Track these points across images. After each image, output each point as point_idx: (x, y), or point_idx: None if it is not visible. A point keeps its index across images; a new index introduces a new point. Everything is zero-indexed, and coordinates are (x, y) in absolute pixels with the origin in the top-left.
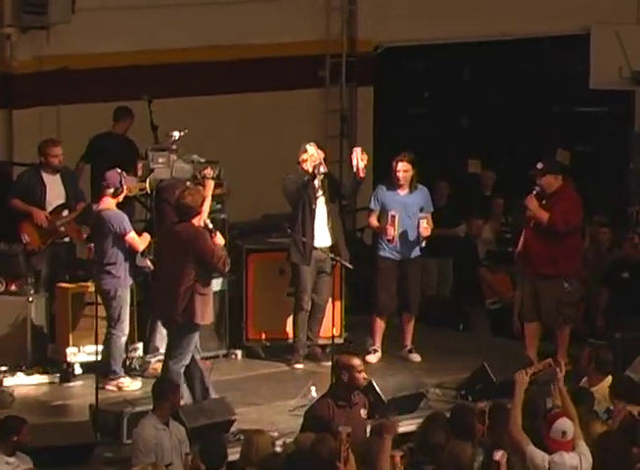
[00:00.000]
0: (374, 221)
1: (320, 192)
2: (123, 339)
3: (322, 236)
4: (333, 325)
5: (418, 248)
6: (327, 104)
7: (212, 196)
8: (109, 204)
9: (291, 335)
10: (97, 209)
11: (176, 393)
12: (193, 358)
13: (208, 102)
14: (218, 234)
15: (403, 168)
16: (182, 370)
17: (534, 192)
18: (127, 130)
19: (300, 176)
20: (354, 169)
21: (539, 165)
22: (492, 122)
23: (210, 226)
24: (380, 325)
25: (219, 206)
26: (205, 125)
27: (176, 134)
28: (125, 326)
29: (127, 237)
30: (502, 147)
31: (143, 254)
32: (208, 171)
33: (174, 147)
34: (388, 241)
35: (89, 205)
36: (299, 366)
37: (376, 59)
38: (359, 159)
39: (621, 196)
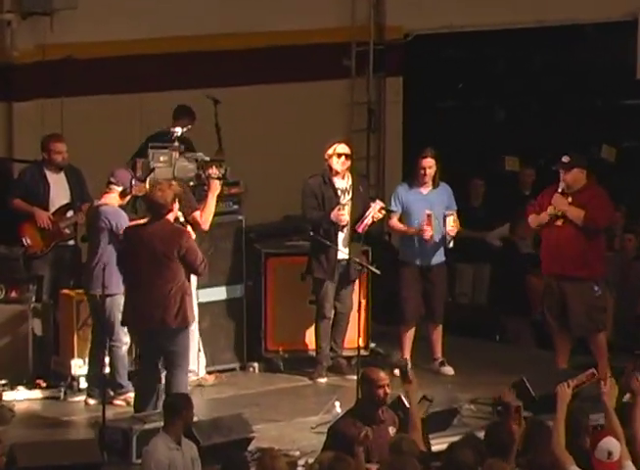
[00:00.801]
0: (396, 224)
1: (347, 197)
2: (124, 349)
3: (345, 245)
4: (359, 335)
5: (443, 251)
6: (353, 96)
7: (228, 196)
8: (110, 200)
9: (313, 346)
10: (96, 204)
11: (190, 408)
12: (155, 367)
13: (224, 94)
14: (190, 229)
15: (429, 165)
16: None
17: (560, 189)
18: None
19: (324, 176)
20: (359, 222)
21: (565, 159)
22: (531, 116)
23: (182, 220)
24: (407, 336)
25: (236, 206)
26: (221, 120)
27: (178, 130)
28: (123, 335)
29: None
30: (542, 143)
31: None
32: (214, 171)
33: (176, 144)
34: (426, 241)
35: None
36: (322, 380)
37: (406, 47)
38: (372, 213)
39: None
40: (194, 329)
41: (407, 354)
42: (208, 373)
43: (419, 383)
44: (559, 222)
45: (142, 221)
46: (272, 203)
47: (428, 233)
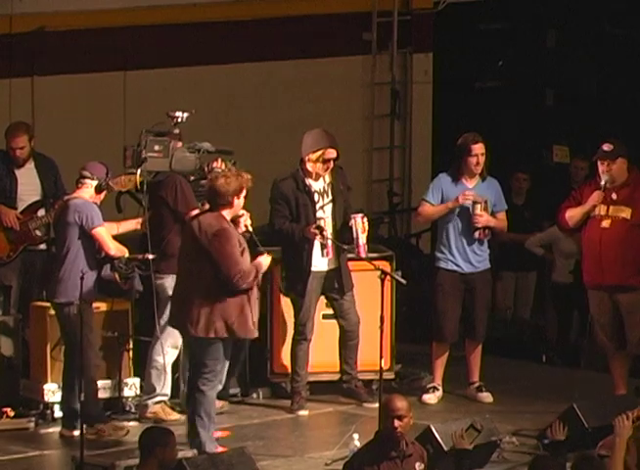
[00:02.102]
0: (428, 208)
1: (326, 199)
2: (93, 371)
3: (322, 259)
4: (381, 356)
5: (487, 257)
6: (374, 75)
7: None
8: (82, 194)
9: (329, 368)
10: (66, 198)
11: (167, 445)
12: None
13: (222, 72)
14: (264, 252)
15: (481, 151)
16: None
17: (603, 182)
18: None
19: (296, 178)
20: (354, 244)
21: (607, 147)
22: (584, 100)
23: (250, 229)
24: (441, 356)
25: None
26: (219, 103)
27: (179, 115)
28: (93, 356)
29: (94, 232)
30: (596, 130)
31: (113, 266)
32: (218, 164)
33: (177, 131)
34: (479, 241)
35: None
36: (304, 413)
37: (436, 18)
38: (359, 230)
39: None
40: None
41: (439, 379)
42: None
43: (449, 411)
44: (605, 223)
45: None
46: None
47: (482, 219)
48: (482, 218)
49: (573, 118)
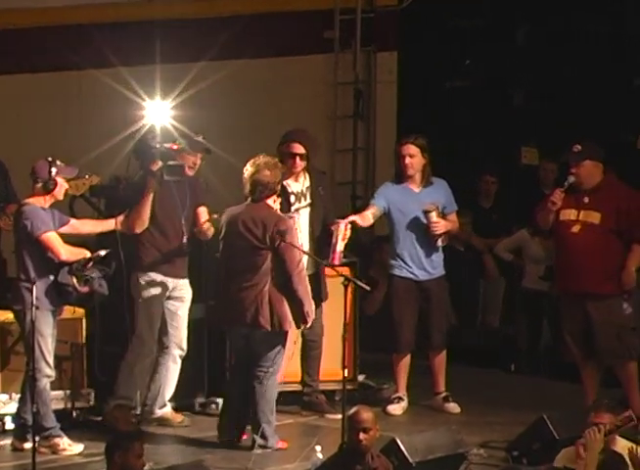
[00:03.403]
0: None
1: (304, 202)
2: (44, 381)
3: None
4: (344, 366)
5: (442, 263)
6: (337, 75)
7: None
8: (36, 200)
9: (291, 377)
10: (22, 203)
11: (127, 451)
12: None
13: (179, 72)
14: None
15: (408, 153)
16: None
17: (566, 183)
18: None
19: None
20: (331, 251)
21: (576, 148)
22: (554, 100)
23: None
24: (402, 365)
25: None
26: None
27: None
28: (45, 365)
29: (41, 238)
30: (566, 131)
31: (71, 269)
32: (153, 167)
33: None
34: (434, 242)
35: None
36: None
37: (401, 15)
38: (340, 237)
39: None
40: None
41: (403, 389)
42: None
43: (415, 422)
44: (574, 228)
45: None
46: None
47: (439, 226)
48: (440, 225)
49: (543, 119)
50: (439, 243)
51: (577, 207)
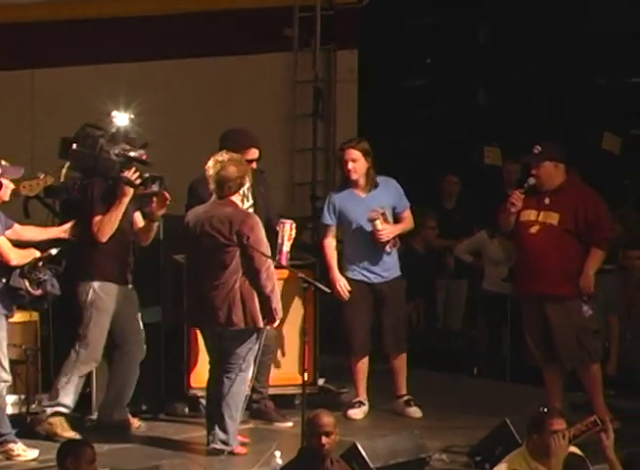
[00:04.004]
0: (329, 246)
1: (247, 203)
2: (0, 386)
3: None
4: (303, 369)
5: (397, 265)
6: (296, 73)
7: (141, 196)
8: None
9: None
10: None
11: (79, 458)
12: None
13: (135, 70)
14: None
15: (351, 157)
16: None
17: (526, 185)
18: None
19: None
20: (277, 251)
21: (537, 149)
22: (517, 99)
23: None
24: (359, 369)
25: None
26: (131, 103)
27: (116, 115)
28: (1, 369)
29: None
30: (530, 131)
31: (22, 272)
32: (128, 173)
33: (113, 131)
34: (383, 247)
35: None
36: None
37: (361, 13)
38: (285, 237)
39: None
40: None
41: (363, 393)
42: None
43: (376, 427)
44: (533, 229)
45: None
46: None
47: (385, 233)
48: (385, 232)
49: (506, 118)
50: (388, 249)
51: (538, 208)
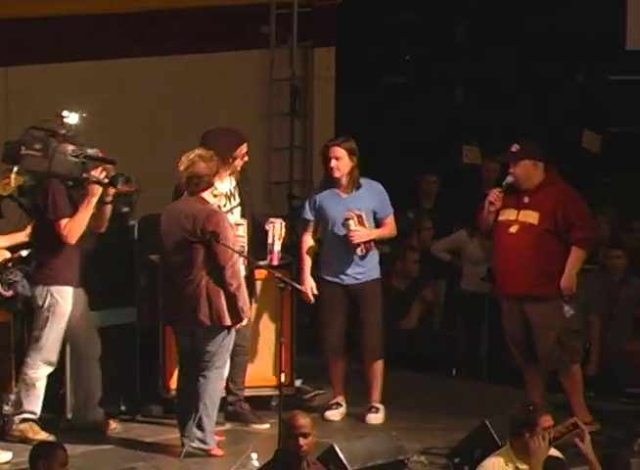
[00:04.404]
0: (305, 241)
1: (234, 202)
2: None
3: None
4: (281, 371)
5: (375, 267)
6: (273, 71)
7: (117, 196)
8: None
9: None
10: None
11: (51, 460)
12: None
13: (110, 68)
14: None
15: (335, 155)
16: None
17: (504, 184)
18: None
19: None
20: (269, 251)
21: (514, 148)
22: (496, 97)
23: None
24: (337, 371)
25: (126, 209)
26: (106, 101)
27: (67, 114)
28: None
29: None
30: (509, 129)
31: None
32: (95, 173)
33: (63, 131)
34: (354, 249)
35: None
36: None
37: (339, 10)
38: (276, 237)
39: None
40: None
41: (340, 394)
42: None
43: (353, 428)
44: (513, 229)
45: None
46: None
47: (357, 234)
48: (358, 234)
49: (485, 117)
50: (358, 252)
51: (517, 207)
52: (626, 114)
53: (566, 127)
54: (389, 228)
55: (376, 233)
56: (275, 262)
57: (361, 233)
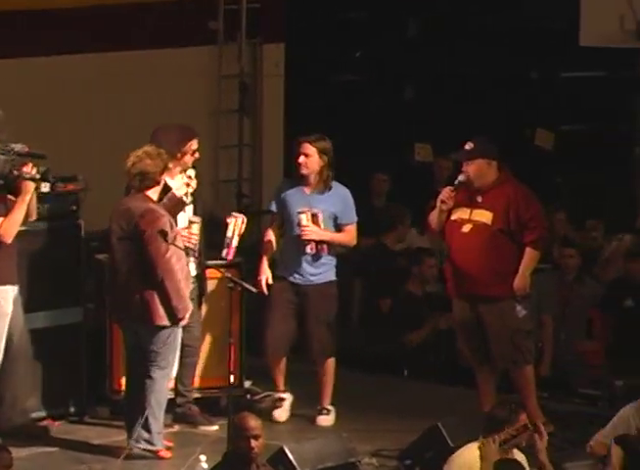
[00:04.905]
0: (266, 234)
1: (187, 200)
2: None
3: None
4: (229, 371)
5: (331, 269)
6: (221, 67)
7: (63, 194)
8: None
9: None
10: None
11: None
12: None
13: (47, 65)
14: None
15: (305, 152)
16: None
17: (456, 182)
18: None
19: None
20: (225, 243)
21: (468, 146)
22: (447, 94)
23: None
24: (277, 371)
25: (73, 207)
26: (42, 99)
27: None
28: None
29: None
30: (460, 127)
31: None
32: (27, 169)
33: None
34: (304, 247)
35: None
36: None
37: (288, 6)
38: (236, 231)
39: (624, 193)
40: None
41: (281, 385)
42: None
43: (304, 430)
44: (465, 228)
45: None
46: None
47: (307, 230)
48: (308, 229)
49: (438, 114)
50: (308, 250)
51: (470, 206)
52: (580, 111)
53: (520, 125)
54: (349, 236)
55: (328, 235)
56: (230, 257)
57: (312, 230)
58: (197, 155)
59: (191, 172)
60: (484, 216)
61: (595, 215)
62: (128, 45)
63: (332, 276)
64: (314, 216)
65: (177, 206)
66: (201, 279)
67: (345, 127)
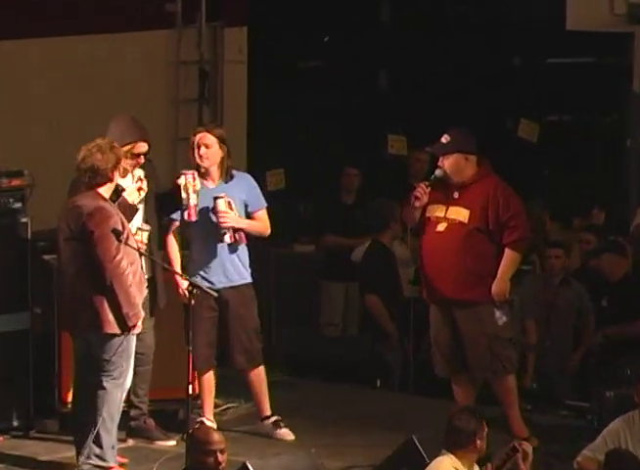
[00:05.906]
0: (171, 242)
1: (137, 199)
2: None
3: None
4: (188, 382)
5: (248, 269)
6: (179, 53)
7: (7, 190)
8: None
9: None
10: None
11: None
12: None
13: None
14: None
15: (205, 142)
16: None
17: (432, 177)
18: None
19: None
20: (183, 205)
21: (444, 139)
22: (423, 82)
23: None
24: (206, 385)
25: (18, 204)
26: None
27: None
28: None
29: None
30: (438, 118)
31: None
32: None
33: None
34: (231, 245)
35: None
36: None
37: None
38: (190, 189)
39: (613, 188)
40: None
41: (208, 411)
42: None
43: (270, 445)
44: (440, 227)
45: None
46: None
47: (228, 217)
48: (228, 216)
49: (412, 104)
50: (227, 239)
51: (446, 202)
52: (566, 100)
53: (500, 115)
54: (262, 223)
55: (245, 222)
56: (193, 218)
57: (230, 216)
58: (140, 160)
59: (139, 173)
60: (460, 214)
61: (583, 213)
62: (81, 29)
63: (249, 278)
64: (229, 204)
65: (127, 212)
66: (152, 282)
67: (313, 118)
